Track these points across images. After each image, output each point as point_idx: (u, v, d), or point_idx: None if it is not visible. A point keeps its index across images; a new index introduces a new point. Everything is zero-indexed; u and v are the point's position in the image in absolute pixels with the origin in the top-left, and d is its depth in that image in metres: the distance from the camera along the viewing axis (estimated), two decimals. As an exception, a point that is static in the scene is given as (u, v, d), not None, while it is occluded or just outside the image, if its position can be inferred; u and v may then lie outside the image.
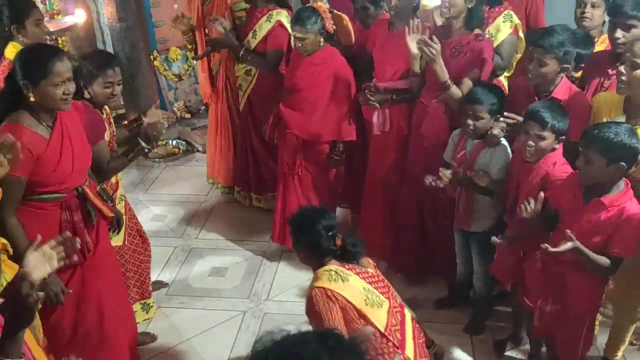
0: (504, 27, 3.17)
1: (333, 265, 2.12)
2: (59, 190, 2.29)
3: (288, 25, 3.73)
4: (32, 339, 1.90)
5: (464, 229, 2.96)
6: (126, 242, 2.98)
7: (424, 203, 3.31)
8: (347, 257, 2.17)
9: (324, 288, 2.04)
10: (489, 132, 2.72)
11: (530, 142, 2.43)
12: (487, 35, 3.00)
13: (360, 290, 2.07)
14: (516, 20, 3.23)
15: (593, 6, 3.02)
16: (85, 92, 2.65)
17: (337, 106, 3.38)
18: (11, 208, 2.18)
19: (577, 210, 2.22)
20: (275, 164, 3.99)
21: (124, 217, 2.88)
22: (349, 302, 2.03)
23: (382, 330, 2.06)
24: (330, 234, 2.14)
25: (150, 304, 3.26)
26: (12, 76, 2.16)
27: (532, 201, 2.31)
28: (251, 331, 3.20)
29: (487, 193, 2.74)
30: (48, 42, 3.31)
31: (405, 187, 3.37)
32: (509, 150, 2.74)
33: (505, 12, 3.21)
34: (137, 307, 3.15)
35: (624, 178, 2.20)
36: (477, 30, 2.93)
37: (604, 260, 2.21)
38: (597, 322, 2.70)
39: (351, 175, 3.96)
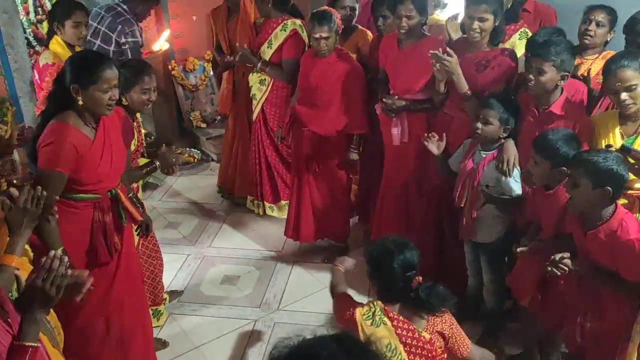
0: (520, 45, 3.16)
1: (379, 306, 2.02)
2: (94, 191, 2.37)
3: (303, 35, 3.80)
4: (48, 342, 1.92)
5: (471, 239, 2.95)
6: (140, 246, 3.02)
7: (442, 215, 3.30)
8: (419, 304, 2.01)
9: (357, 321, 2.00)
10: (500, 162, 2.72)
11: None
12: (510, 49, 2.98)
13: (382, 345, 1.94)
14: None
15: (598, 25, 3.06)
16: (123, 99, 2.74)
17: (351, 100, 3.48)
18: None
19: (580, 240, 2.22)
20: (288, 172, 4.03)
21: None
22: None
23: None
24: (407, 274, 1.99)
25: (161, 311, 3.28)
26: (62, 79, 2.25)
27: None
28: (261, 340, 3.21)
29: (503, 207, 2.75)
30: (80, 46, 3.46)
31: (425, 199, 3.36)
32: (517, 171, 2.74)
33: (522, 29, 3.21)
34: None
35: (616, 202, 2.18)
36: (500, 45, 2.93)
37: (621, 279, 2.17)
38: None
39: (363, 186, 3.98)
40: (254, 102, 4.10)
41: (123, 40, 4.01)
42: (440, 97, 3.08)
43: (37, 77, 3.41)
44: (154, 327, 3.21)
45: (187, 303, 3.50)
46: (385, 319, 1.99)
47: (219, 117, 5.62)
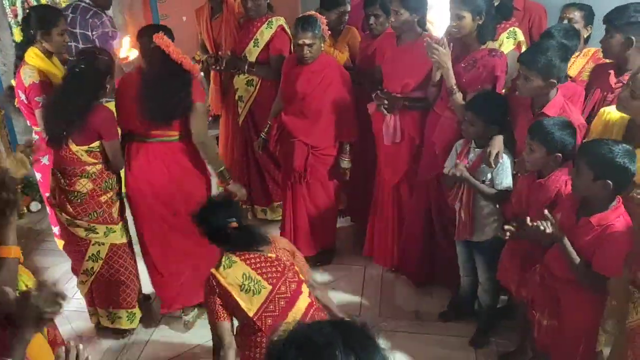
0: (507, 43, 3.19)
1: (229, 254, 2.31)
2: None
3: (289, 31, 3.77)
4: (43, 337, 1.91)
5: (467, 239, 2.95)
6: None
7: (432, 212, 3.30)
8: (241, 245, 2.31)
9: (212, 274, 2.28)
10: (487, 155, 2.72)
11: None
12: (500, 51, 2.96)
13: (238, 278, 2.25)
14: (520, 37, 3.24)
15: (570, 22, 3.10)
16: None
17: (340, 109, 3.42)
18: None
19: (569, 228, 2.21)
20: (279, 171, 3.98)
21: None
22: (227, 289, 2.24)
23: (251, 315, 2.25)
24: (222, 223, 2.29)
25: (135, 313, 3.25)
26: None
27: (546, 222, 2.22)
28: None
29: (493, 200, 2.76)
30: (63, 54, 3.41)
31: (415, 196, 3.37)
32: (508, 163, 2.75)
33: (510, 28, 3.23)
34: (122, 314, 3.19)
35: (618, 196, 2.16)
36: (490, 44, 2.92)
37: (587, 269, 2.17)
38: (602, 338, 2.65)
39: (353, 186, 3.97)
40: (241, 104, 4.04)
41: (94, 33, 3.87)
42: (433, 89, 3.08)
43: (22, 97, 3.19)
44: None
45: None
46: (234, 258, 2.30)
47: (211, 118, 5.60)
